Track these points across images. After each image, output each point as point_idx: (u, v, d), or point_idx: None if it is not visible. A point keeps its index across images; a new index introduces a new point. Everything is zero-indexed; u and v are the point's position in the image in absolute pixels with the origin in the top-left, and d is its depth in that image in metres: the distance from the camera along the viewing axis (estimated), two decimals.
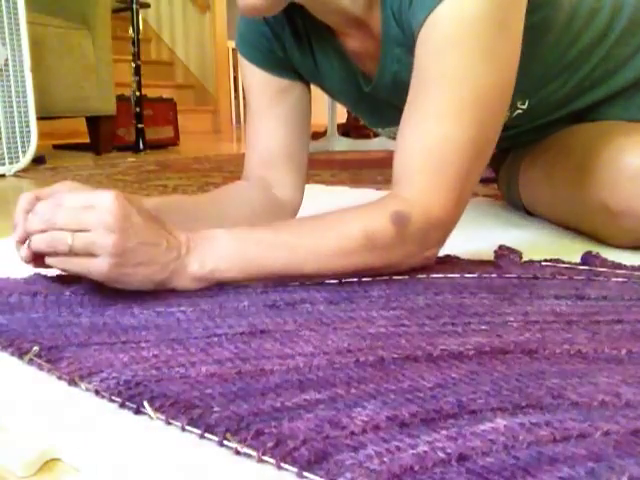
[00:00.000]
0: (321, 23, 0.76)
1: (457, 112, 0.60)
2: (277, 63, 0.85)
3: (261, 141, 0.86)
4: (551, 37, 0.78)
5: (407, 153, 0.63)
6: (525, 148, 1.01)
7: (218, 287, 0.61)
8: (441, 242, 0.65)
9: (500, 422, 0.35)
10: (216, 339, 0.49)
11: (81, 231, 0.53)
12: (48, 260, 0.55)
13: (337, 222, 0.62)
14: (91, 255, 0.53)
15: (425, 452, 0.32)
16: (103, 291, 0.60)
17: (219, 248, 0.58)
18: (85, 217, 0.53)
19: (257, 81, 0.86)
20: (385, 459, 0.32)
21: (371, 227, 0.60)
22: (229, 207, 0.81)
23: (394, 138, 0.94)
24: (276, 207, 0.86)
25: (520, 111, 0.86)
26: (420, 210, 0.61)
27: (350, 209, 0.63)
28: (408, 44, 0.67)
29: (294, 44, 0.83)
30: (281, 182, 0.86)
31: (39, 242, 0.54)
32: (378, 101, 0.84)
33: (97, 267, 0.53)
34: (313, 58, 0.83)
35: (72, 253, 0.53)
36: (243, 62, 0.87)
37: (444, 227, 0.63)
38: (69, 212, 0.54)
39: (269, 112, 0.86)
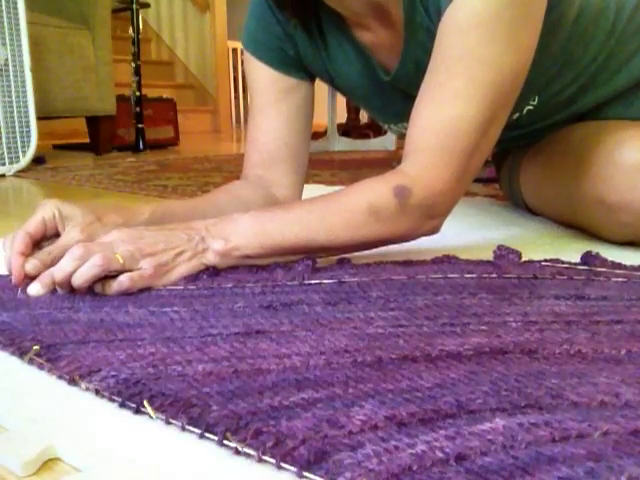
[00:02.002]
0: (336, 16, 0.76)
1: (474, 92, 0.62)
2: (287, 61, 0.85)
3: (262, 139, 0.86)
4: (562, 34, 0.79)
5: (419, 129, 0.65)
6: (526, 145, 1.01)
7: (214, 287, 0.61)
8: (444, 214, 0.68)
9: (499, 422, 0.35)
10: (210, 338, 0.49)
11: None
12: (114, 287, 0.59)
13: (344, 197, 0.66)
14: (134, 268, 0.59)
15: (423, 452, 0.32)
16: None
17: (239, 226, 0.64)
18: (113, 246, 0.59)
19: (264, 79, 0.86)
20: (384, 459, 0.32)
21: (375, 200, 0.64)
22: (226, 208, 0.81)
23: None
24: (272, 203, 0.86)
25: (530, 107, 0.86)
26: (422, 185, 0.64)
27: (356, 184, 0.67)
28: (433, 28, 0.67)
29: (306, 42, 0.83)
30: (280, 182, 0.87)
31: (90, 269, 0.57)
32: (395, 94, 0.84)
33: (146, 272, 0.59)
34: (327, 54, 0.83)
35: (125, 268, 0.58)
36: (250, 60, 0.87)
37: (445, 202, 0.66)
38: (97, 245, 0.59)
39: (273, 110, 0.86)
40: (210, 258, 0.63)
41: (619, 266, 0.69)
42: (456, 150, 0.63)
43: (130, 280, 0.59)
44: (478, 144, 0.64)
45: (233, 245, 0.63)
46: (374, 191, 0.65)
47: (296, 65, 0.85)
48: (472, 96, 0.62)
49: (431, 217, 0.66)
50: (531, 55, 0.65)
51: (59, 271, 0.58)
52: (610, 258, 0.71)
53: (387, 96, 0.86)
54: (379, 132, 3.24)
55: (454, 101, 0.62)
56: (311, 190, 0.95)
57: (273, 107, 0.86)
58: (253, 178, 0.87)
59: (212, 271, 0.65)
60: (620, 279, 0.65)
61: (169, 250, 0.61)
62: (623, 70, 0.87)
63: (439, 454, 0.32)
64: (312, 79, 0.88)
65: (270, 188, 0.87)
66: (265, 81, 0.86)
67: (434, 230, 0.68)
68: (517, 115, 0.85)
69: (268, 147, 0.86)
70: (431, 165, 0.64)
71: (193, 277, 0.63)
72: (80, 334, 0.49)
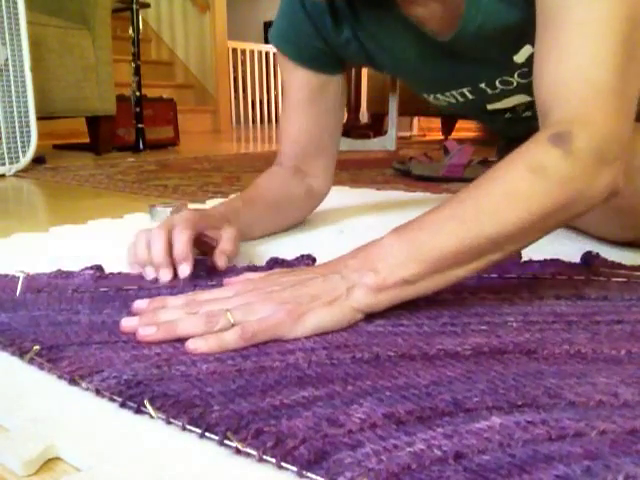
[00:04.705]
0: None
1: (604, 29, 0.56)
2: (319, 57, 0.87)
3: (296, 134, 0.92)
4: None
5: (555, 77, 0.58)
6: None
7: (215, 286, 0.61)
8: (617, 156, 0.54)
9: (496, 420, 0.35)
10: None
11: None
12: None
13: (494, 173, 0.54)
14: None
15: (422, 450, 0.32)
16: (102, 289, 0.60)
17: (381, 249, 0.52)
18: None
19: (297, 78, 0.89)
20: (383, 457, 0.32)
21: (533, 159, 0.53)
22: (286, 207, 0.91)
23: (455, 104, 0.92)
24: (310, 193, 0.95)
25: None
26: (581, 123, 0.54)
27: (502, 161, 0.56)
28: None
29: (337, 31, 0.84)
30: (314, 172, 0.94)
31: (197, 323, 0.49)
32: (446, 61, 0.81)
33: (277, 317, 0.49)
34: (364, 34, 0.83)
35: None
36: (283, 59, 0.90)
37: (614, 137, 0.54)
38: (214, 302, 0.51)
39: (307, 108, 0.90)
40: (360, 298, 0.51)
41: (619, 266, 0.69)
42: (604, 83, 0.55)
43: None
44: (619, 78, 0.56)
45: (385, 274, 0.50)
46: (526, 153, 0.54)
47: (328, 59, 0.88)
48: (603, 33, 0.56)
49: (605, 161, 0.54)
50: None
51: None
52: (610, 258, 0.71)
53: (437, 64, 0.83)
54: (379, 132, 3.24)
55: (589, 41, 0.56)
56: None
57: (306, 104, 0.90)
58: (289, 167, 0.92)
59: (211, 269, 0.65)
60: (620, 279, 0.65)
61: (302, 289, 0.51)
62: None
63: (437, 452, 0.32)
64: (344, 69, 0.91)
65: (306, 179, 0.93)
66: (298, 80, 0.89)
67: (614, 182, 0.55)
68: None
69: (302, 142, 0.91)
70: (583, 101, 0.56)
71: (193, 277, 0.63)
72: (82, 336, 0.49)
